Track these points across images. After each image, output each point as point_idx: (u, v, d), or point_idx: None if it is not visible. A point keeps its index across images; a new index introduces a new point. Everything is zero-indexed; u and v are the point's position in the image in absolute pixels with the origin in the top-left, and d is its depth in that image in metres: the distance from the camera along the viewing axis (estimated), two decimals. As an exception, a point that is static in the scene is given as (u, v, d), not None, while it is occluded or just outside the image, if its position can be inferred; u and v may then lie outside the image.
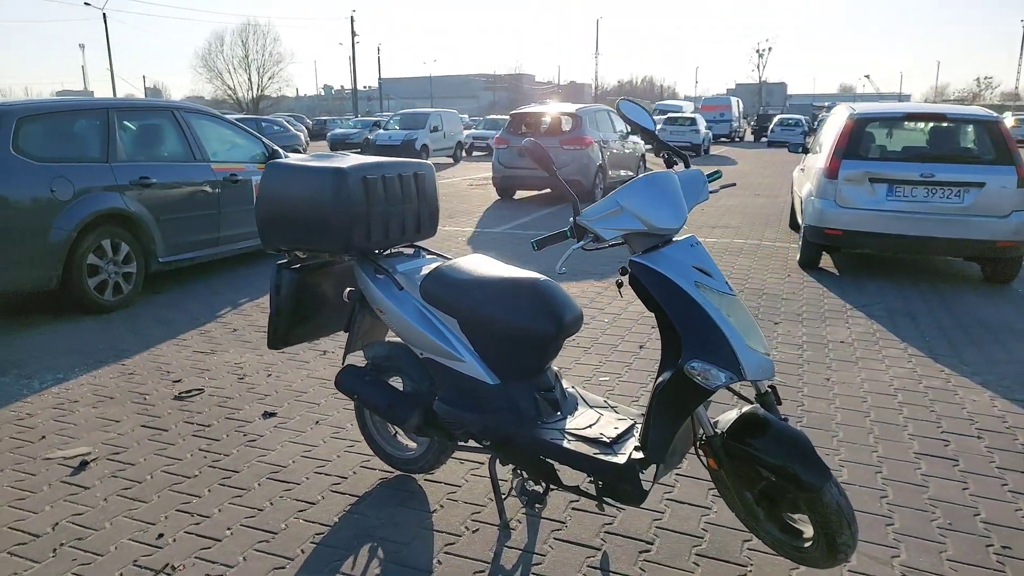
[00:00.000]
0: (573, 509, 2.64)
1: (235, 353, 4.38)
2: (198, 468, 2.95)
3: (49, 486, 2.81)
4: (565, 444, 2.27)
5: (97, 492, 2.76)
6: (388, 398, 2.60)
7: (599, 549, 2.41)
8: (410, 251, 2.92)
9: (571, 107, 12.71)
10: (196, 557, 2.35)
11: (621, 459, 2.18)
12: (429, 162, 3.04)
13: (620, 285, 2.19)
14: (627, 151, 13.50)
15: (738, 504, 2.23)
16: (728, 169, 18.74)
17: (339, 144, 26.03)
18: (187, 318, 5.12)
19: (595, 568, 2.31)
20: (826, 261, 7.08)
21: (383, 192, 2.66)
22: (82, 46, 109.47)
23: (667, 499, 2.71)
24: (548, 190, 12.55)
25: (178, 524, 2.55)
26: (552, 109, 12.77)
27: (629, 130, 13.72)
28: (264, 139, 7.08)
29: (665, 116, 26.75)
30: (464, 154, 24.57)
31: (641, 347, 4.49)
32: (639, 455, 2.17)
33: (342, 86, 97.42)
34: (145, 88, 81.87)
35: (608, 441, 2.29)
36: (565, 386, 2.63)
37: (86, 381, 3.91)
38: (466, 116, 26.89)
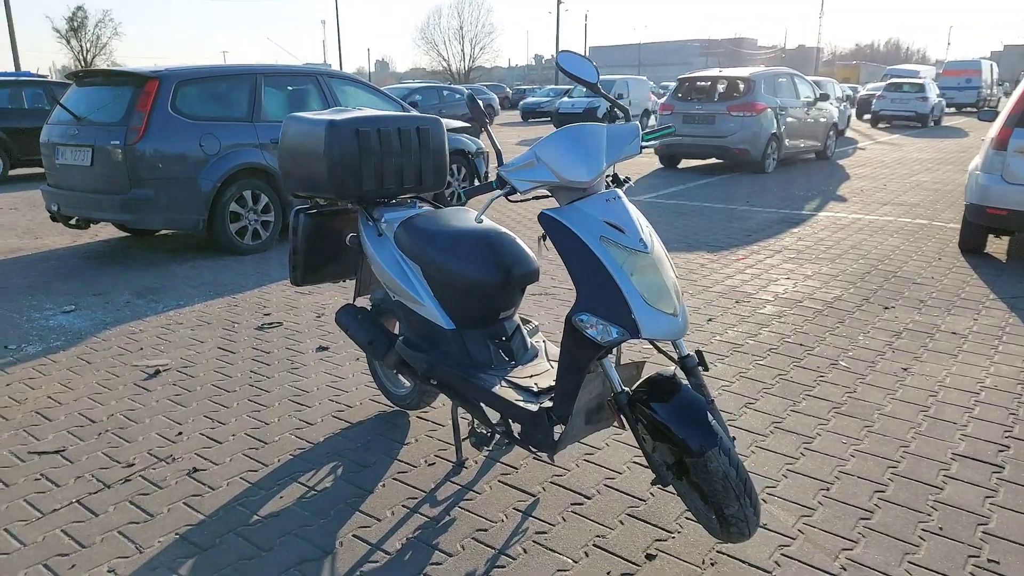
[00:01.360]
0: (534, 459, 2.73)
1: (323, 296, 4.90)
2: (238, 385, 3.43)
3: (124, 386, 3.44)
4: (495, 389, 2.37)
5: (153, 395, 3.34)
6: (370, 335, 2.85)
7: (534, 496, 2.49)
8: (411, 202, 3.12)
9: (745, 71, 12.00)
10: (195, 453, 2.80)
11: (534, 407, 2.25)
12: (439, 118, 3.19)
13: (543, 239, 2.22)
14: (813, 119, 12.50)
15: (651, 465, 2.20)
16: (951, 143, 16.56)
17: (530, 113, 26.74)
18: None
19: (519, 511, 2.41)
20: (998, 247, 6.17)
21: (377, 144, 2.87)
22: (323, 22, 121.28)
23: (633, 461, 2.70)
24: (715, 159, 12.02)
25: (197, 427, 3.02)
26: (724, 73, 12.15)
27: (818, 96, 12.67)
28: (403, 104, 7.64)
29: (887, 82, 24.05)
30: (653, 122, 24.08)
31: (710, 320, 4.34)
32: (549, 405, 2.22)
33: (552, 55, 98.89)
34: (370, 61, 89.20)
35: (536, 390, 2.35)
36: (535, 339, 2.71)
37: (198, 308, 4.63)
38: (652, 83, 26.13)
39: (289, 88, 6.59)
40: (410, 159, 2.97)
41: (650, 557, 2.19)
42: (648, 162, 13.03)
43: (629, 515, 2.38)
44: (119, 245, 6.57)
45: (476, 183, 8.46)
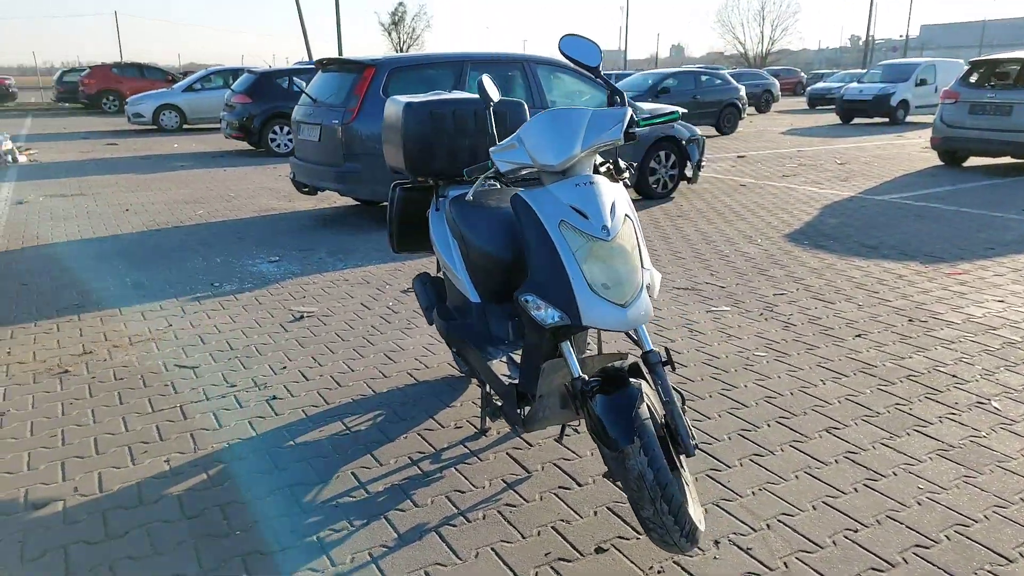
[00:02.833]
0: (554, 440, 2.79)
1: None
2: (354, 336, 3.94)
3: (271, 324, 4.14)
4: (491, 362, 2.50)
5: (287, 334, 3.98)
6: (427, 302, 3.11)
7: (530, 473, 2.57)
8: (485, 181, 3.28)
9: (1063, 50, 9.91)
10: (284, 384, 3.32)
11: (506, 382, 2.34)
12: (522, 102, 3.30)
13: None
14: None
15: (603, 457, 2.17)
16: None
17: (818, 99, 24.81)
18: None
19: (505, 483, 2.51)
20: None
21: (452, 125, 3.09)
22: (622, 8, 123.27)
23: (648, 461, 2.63)
24: (1012, 157, 10.17)
25: (300, 364, 3.56)
26: (1032, 54, 10.16)
27: None
28: (615, 88, 7.71)
29: None
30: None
31: (858, 336, 3.88)
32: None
33: (871, 36, 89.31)
34: (658, 45, 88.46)
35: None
36: None
37: (369, 269, 5.30)
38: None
39: (495, 73, 7.06)
40: (485, 140, 3.15)
41: (599, 550, 2.17)
42: (926, 157, 11.45)
43: (608, 509, 2.36)
44: (347, 211, 7.65)
45: (689, 172, 8.25)
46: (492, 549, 2.18)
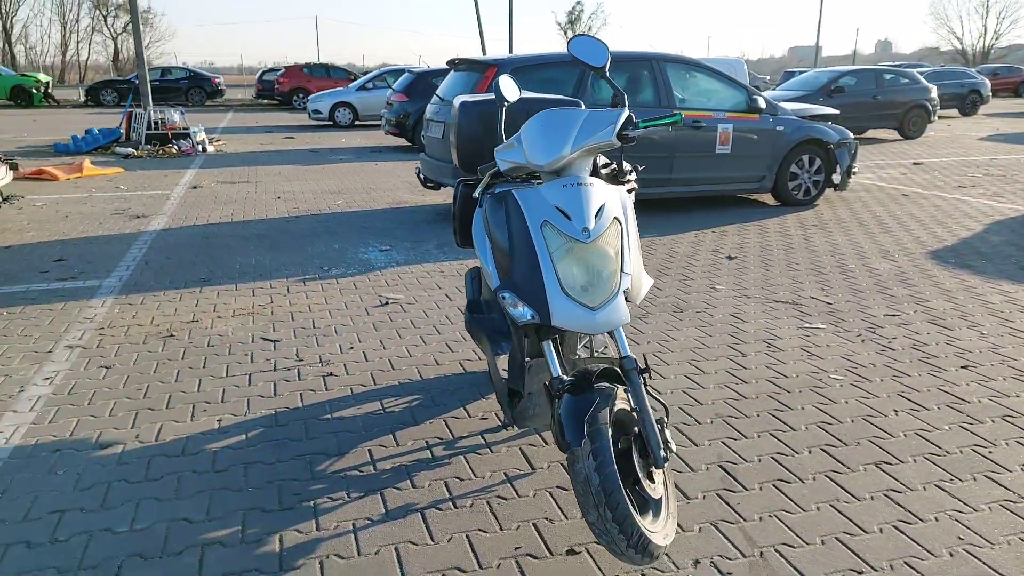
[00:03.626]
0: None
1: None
2: (424, 323, 4.13)
3: (357, 308, 4.44)
4: (498, 356, 2.57)
5: (368, 317, 4.25)
6: (472, 295, 3.22)
7: (534, 470, 2.61)
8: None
9: None
10: (344, 363, 3.57)
11: (502, 377, 2.40)
12: (580, 102, 3.30)
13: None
14: None
15: None
16: None
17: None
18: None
19: (505, 476, 2.57)
20: None
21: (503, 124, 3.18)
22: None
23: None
24: None
25: (366, 346, 3.81)
26: None
27: None
28: (752, 89, 7.39)
29: None
30: None
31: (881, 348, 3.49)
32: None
33: None
34: (856, 40, 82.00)
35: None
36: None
37: (467, 263, 5.50)
38: None
39: (623, 73, 7.02)
40: None
41: (571, 552, 2.17)
42: None
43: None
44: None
45: (837, 178, 7.70)
46: (467, 536, 2.25)
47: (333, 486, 2.52)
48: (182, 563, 2.12)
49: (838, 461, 2.66)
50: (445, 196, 8.53)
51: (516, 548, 2.19)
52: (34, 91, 26.65)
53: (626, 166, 2.34)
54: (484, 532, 2.27)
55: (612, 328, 2.03)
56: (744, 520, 2.32)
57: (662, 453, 1.97)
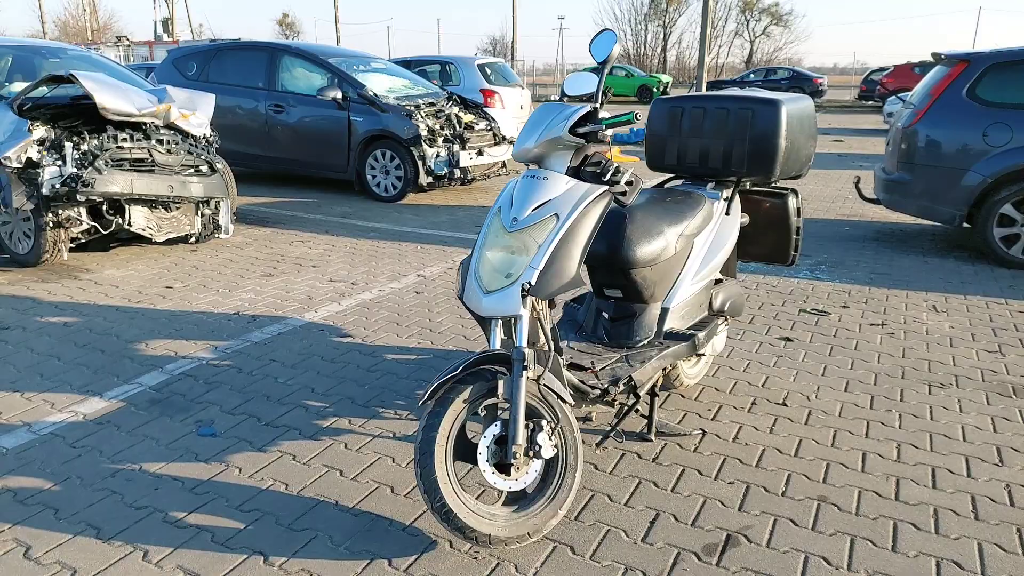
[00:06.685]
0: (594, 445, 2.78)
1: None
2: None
3: (399, 293, 4.40)
4: (545, 348, 2.64)
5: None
6: None
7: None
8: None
9: None
10: (431, 326, 3.83)
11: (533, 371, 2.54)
12: (781, 98, 2.91)
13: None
14: None
15: None
16: None
17: None
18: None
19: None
20: None
21: (688, 124, 3.02)
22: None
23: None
24: None
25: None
26: None
27: None
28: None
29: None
30: None
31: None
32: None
33: None
34: None
35: (571, 364, 2.62)
36: (675, 342, 2.74)
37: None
38: None
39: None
40: (719, 142, 2.97)
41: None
42: None
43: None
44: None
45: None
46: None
47: (299, 426, 2.95)
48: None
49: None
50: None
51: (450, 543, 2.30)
52: (655, 89, 30.99)
53: (622, 168, 2.30)
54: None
55: (496, 315, 2.14)
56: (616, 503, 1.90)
57: (513, 448, 2.01)
